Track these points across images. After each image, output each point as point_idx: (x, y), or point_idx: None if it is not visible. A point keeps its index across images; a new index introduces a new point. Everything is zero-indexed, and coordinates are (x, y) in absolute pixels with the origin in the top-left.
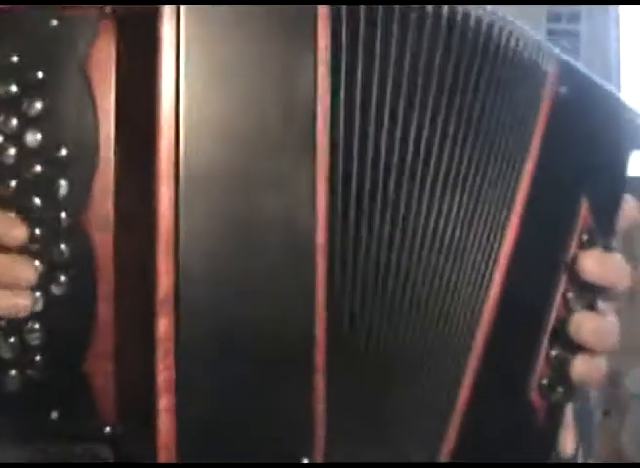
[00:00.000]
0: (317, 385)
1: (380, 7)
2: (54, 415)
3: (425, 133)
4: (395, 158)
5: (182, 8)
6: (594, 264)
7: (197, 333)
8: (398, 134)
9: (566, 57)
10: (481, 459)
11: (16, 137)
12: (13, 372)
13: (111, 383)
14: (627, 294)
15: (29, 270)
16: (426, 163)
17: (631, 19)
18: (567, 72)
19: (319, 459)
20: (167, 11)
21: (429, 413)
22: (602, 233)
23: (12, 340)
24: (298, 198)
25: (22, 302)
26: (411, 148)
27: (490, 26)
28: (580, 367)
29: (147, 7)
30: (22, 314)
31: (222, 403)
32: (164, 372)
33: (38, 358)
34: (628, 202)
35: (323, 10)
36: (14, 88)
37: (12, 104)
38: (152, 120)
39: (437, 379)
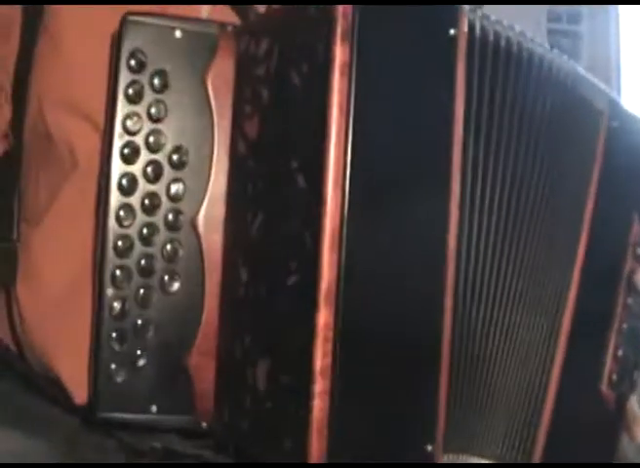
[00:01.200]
0: (442, 380)
1: (502, 49)
2: (153, 409)
3: (520, 162)
4: (514, 180)
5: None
6: None
7: (353, 325)
8: (510, 162)
9: (610, 92)
10: (569, 445)
11: (135, 135)
12: (119, 365)
13: (211, 380)
14: None
15: None
16: (523, 183)
17: (631, 19)
18: (616, 108)
19: (440, 447)
20: (340, 29)
21: (524, 407)
22: None
23: (124, 332)
24: (435, 212)
25: None
26: (519, 171)
27: (558, 69)
28: None
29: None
30: None
31: (368, 389)
32: (322, 359)
33: (146, 351)
34: None
35: (462, 45)
36: (137, 87)
37: (134, 103)
38: (323, 127)
39: (529, 374)
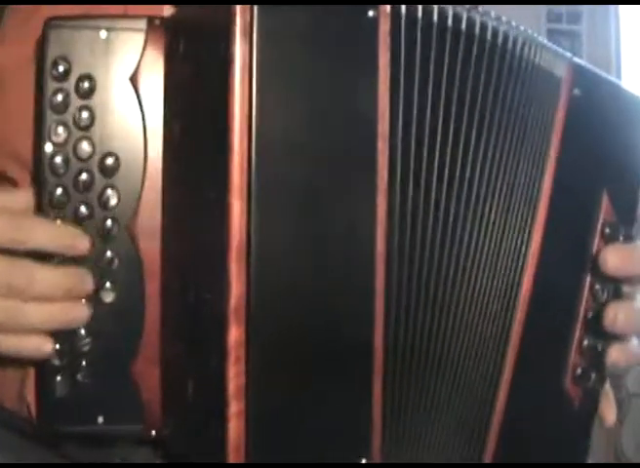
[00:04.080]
0: (375, 389)
1: (435, 27)
2: (100, 420)
3: (471, 144)
4: (445, 172)
5: (256, 13)
6: (616, 258)
7: (267, 340)
8: (448, 151)
9: (578, 60)
10: (523, 449)
11: (65, 146)
12: (62, 378)
13: (158, 387)
14: None
15: (89, 282)
16: (471, 171)
17: (631, 19)
18: (579, 75)
19: (377, 459)
20: (240, 17)
21: (474, 405)
22: (623, 224)
23: (59, 347)
24: (360, 213)
25: (80, 314)
26: (459, 159)
27: (506, 37)
28: (618, 354)
29: (217, 9)
30: (77, 325)
31: (288, 409)
32: (235, 379)
33: (87, 363)
34: None
35: (384, 28)
36: (63, 96)
37: (61, 113)
38: (224, 131)
39: (479, 373)
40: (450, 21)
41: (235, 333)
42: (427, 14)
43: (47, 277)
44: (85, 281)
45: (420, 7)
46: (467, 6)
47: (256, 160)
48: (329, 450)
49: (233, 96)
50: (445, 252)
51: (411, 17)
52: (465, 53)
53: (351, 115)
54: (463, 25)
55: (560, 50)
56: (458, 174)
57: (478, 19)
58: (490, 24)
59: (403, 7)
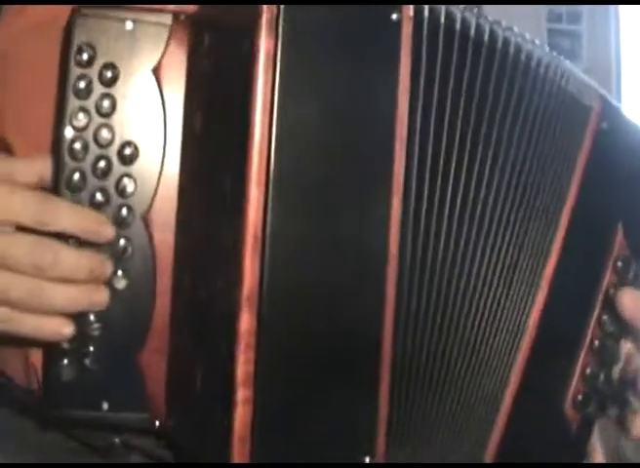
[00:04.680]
0: (382, 390)
1: (457, 33)
2: (105, 406)
3: (488, 161)
4: (461, 178)
5: (282, 13)
6: (631, 303)
7: (277, 331)
8: (465, 160)
9: (605, 92)
10: (521, 459)
11: (86, 132)
12: (69, 361)
13: (163, 379)
14: None
15: (109, 267)
16: (487, 188)
17: (631, 19)
18: (608, 108)
19: (380, 459)
20: (267, 16)
21: (477, 422)
22: (636, 259)
23: (73, 333)
24: (374, 213)
25: (101, 298)
26: (476, 173)
27: (539, 62)
28: None
29: (244, 8)
30: (98, 309)
31: (295, 400)
32: (244, 366)
33: (95, 349)
34: None
35: (406, 31)
36: (86, 83)
37: (84, 99)
38: (246, 123)
39: (485, 390)
40: (473, 31)
41: (246, 321)
42: (450, 19)
43: (71, 258)
44: (106, 264)
45: (442, 11)
46: (491, 19)
47: (275, 151)
48: (333, 446)
49: (256, 88)
50: (457, 261)
51: (433, 21)
52: (487, 65)
53: (370, 115)
54: (486, 37)
55: (587, 79)
56: (473, 188)
57: (501, 34)
58: (514, 40)
59: (426, 10)
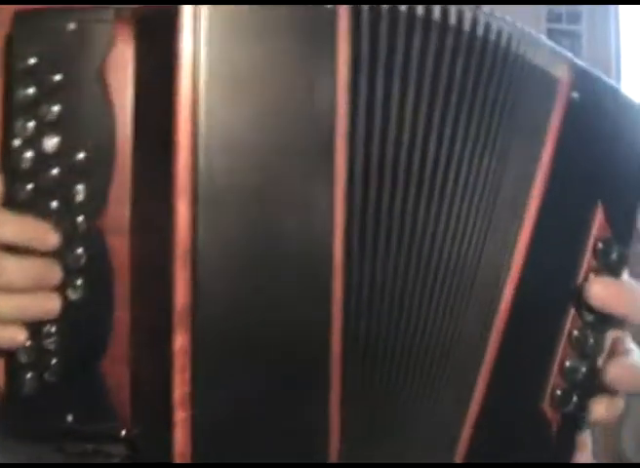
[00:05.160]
0: (333, 395)
1: (402, 15)
2: (69, 418)
3: (444, 146)
4: (414, 173)
5: (203, 13)
6: (602, 292)
7: (214, 348)
8: (417, 148)
9: (581, 62)
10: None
11: (33, 142)
12: (29, 376)
13: (127, 387)
14: None
15: (57, 272)
16: (445, 175)
17: (631, 19)
18: (580, 77)
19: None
20: (187, 17)
21: (441, 424)
22: (619, 242)
23: (29, 344)
24: (316, 215)
25: (52, 305)
26: (430, 162)
27: (499, 34)
28: (602, 410)
29: (166, 9)
30: (50, 317)
31: (238, 416)
32: (180, 387)
33: (54, 361)
34: None
35: (343, 23)
36: (31, 91)
37: (30, 108)
38: (170, 132)
39: (448, 390)
40: (421, 10)
41: (180, 341)
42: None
43: (15, 265)
44: (53, 270)
45: None
46: None
47: (202, 160)
48: (282, 456)
49: (179, 93)
50: (412, 258)
51: (374, 8)
52: (439, 44)
53: (305, 113)
54: (437, 14)
55: (561, 49)
56: (428, 175)
57: (454, 10)
58: (470, 15)
59: None
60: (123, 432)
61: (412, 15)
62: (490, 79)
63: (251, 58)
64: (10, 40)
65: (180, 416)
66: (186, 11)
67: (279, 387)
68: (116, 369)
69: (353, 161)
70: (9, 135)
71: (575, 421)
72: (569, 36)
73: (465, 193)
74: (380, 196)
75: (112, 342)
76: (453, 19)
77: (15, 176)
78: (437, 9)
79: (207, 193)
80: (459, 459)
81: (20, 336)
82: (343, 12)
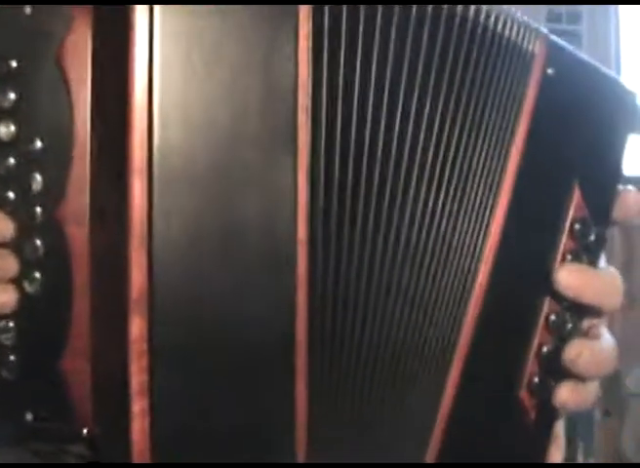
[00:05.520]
0: (298, 388)
1: None
2: (28, 417)
3: (411, 123)
4: (379, 150)
5: None
6: (571, 279)
7: (173, 334)
8: (382, 125)
9: (555, 37)
10: (469, 459)
11: None
12: None
13: (88, 383)
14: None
15: (12, 263)
16: (412, 153)
17: (631, 19)
18: (556, 53)
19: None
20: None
21: (412, 416)
22: (596, 222)
23: None
24: (278, 194)
25: (7, 298)
26: (396, 139)
27: (477, 10)
28: (569, 395)
29: None
30: (7, 311)
31: (199, 406)
32: (138, 375)
33: (12, 358)
34: (628, 190)
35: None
36: None
37: None
38: (124, 111)
39: (419, 381)
40: None
41: (137, 326)
42: None
43: None
44: (9, 261)
45: None
46: None
47: (157, 139)
48: (247, 456)
49: (133, 70)
50: (378, 242)
51: None
52: (402, 17)
53: (264, 88)
54: None
55: (537, 26)
56: (394, 152)
57: None
58: None
59: None
60: (85, 431)
61: None
62: (468, 55)
63: (206, 34)
64: None
65: (139, 406)
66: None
67: (241, 376)
68: (77, 364)
69: (316, 139)
70: None
71: (552, 409)
72: (569, 36)
73: (434, 171)
74: (344, 176)
75: (72, 336)
76: None
77: None
78: None
79: (163, 172)
80: (432, 452)
81: None
82: None
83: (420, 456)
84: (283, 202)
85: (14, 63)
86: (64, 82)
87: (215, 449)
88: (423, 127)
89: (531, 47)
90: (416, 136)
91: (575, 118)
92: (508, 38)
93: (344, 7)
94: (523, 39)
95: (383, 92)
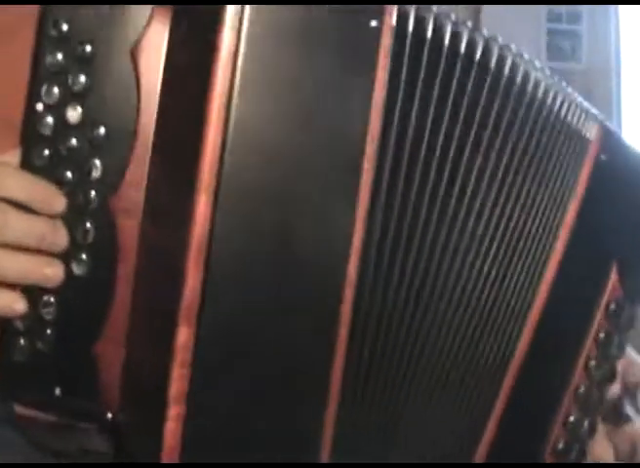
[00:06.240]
0: (329, 410)
1: (445, 49)
2: (57, 391)
3: (471, 183)
4: (437, 209)
5: (247, 11)
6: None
7: (216, 348)
8: (444, 183)
9: (604, 119)
10: None
11: (56, 109)
12: (22, 342)
13: (119, 369)
14: None
15: (63, 236)
16: (468, 213)
17: (631, 19)
18: (609, 139)
19: None
20: (231, 13)
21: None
22: (629, 302)
23: (26, 311)
24: (334, 230)
25: (54, 272)
26: (455, 199)
27: (536, 85)
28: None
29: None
30: (51, 285)
31: (232, 418)
32: (178, 382)
33: (49, 332)
34: None
35: (386, 42)
36: (60, 57)
37: (57, 75)
38: (199, 125)
39: (452, 435)
40: (463, 47)
41: (184, 335)
42: (438, 32)
43: (20, 221)
44: (59, 231)
45: (430, 23)
46: (485, 34)
47: (228, 159)
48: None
49: (214, 88)
50: (425, 289)
51: (418, 35)
52: (477, 85)
53: (336, 127)
54: (478, 54)
55: (591, 109)
56: (451, 212)
57: (497, 51)
58: (511, 59)
59: (411, 22)
60: (109, 415)
61: (454, 51)
62: (522, 128)
63: (289, 62)
64: (43, 8)
65: (174, 412)
66: (230, 7)
67: (276, 394)
68: (109, 350)
69: (378, 185)
70: (33, 98)
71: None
72: (569, 36)
73: (486, 234)
74: (400, 225)
75: (109, 323)
76: (493, 62)
77: (33, 141)
78: (479, 49)
79: (229, 192)
80: None
81: (18, 305)
82: (387, 31)
83: None
84: (338, 240)
85: (88, 48)
86: (136, 76)
87: (239, 459)
88: (482, 190)
89: (588, 134)
90: (473, 197)
91: (621, 203)
92: (570, 123)
93: (423, 60)
94: (583, 125)
95: (448, 151)
